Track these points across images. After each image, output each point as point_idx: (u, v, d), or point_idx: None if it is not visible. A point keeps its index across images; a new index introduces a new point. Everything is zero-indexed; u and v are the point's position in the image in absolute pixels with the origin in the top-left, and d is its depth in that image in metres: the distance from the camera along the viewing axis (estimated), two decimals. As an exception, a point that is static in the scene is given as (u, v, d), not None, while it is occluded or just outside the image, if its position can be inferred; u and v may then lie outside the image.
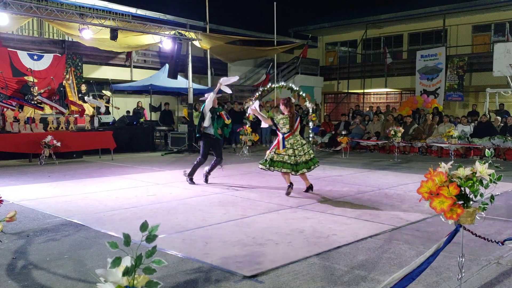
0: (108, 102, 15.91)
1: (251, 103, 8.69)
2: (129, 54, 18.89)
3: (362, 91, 23.15)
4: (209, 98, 7.88)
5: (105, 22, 12.95)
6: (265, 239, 4.55)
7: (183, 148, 14.22)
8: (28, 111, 13.07)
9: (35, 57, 15.71)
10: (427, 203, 2.94)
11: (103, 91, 16.34)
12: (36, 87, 13.99)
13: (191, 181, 8.09)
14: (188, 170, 8.18)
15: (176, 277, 3.50)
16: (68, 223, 5.22)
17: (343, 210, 5.97)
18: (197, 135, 8.21)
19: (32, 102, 13.31)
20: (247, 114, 12.51)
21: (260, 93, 11.99)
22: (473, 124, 13.84)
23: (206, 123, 7.84)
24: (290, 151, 6.92)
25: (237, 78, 8.63)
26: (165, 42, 14.41)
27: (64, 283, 3.39)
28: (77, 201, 6.45)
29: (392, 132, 12.40)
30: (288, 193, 6.93)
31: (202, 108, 8.02)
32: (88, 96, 15.27)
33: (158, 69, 18.75)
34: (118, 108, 16.41)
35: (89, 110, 14.53)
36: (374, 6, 25.21)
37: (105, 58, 18.54)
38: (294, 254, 4.08)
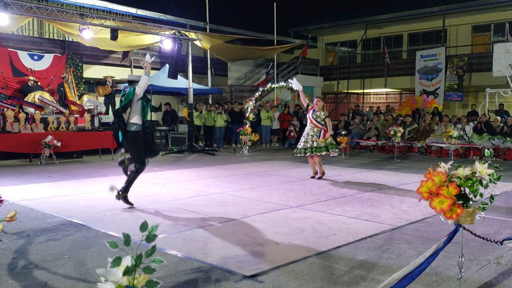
0: (113, 87, 15.68)
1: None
2: (126, 53, 18.81)
3: (362, 91, 23.16)
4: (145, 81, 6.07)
5: (105, 22, 12.94)
6: (265, 239, 4.56)
7: (183, 148, 14.23)
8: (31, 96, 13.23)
9: (36, 57, 15.71)
10: (426, 203, 2.95)
11: (106, 76, 16.15)
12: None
13: (126, 200, 6.03)
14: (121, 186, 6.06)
15: (176, 277, 3.50)
16: (68, 223, 5.22)
17: (343, 210, 5.98)
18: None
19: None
20: (247, 114, 12.57)
21: (260, 93, 12.04)
22: (471, 123, 13.83)
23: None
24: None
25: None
26: (165, 42, 14.41)
27: (65, 283, 3.39)
28: (77, 201, 6.45)
29: (392, 132, 12.41)
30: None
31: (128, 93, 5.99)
32: (88, 95, 15.29)
33: (158, 69, 18.73)
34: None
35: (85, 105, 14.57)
36: (374, 6, 25.23)
37: (105, 58, 18.54)
38: (294, 254, 4.08)
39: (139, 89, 5.95)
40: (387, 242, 4.48)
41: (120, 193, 5.99)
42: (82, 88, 15.67)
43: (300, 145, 8.85)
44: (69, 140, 11.37)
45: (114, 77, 15.86)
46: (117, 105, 6.05)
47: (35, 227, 5.02)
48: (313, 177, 8.85)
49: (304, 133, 8.90)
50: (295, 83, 9.37)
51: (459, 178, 2.90)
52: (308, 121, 8.84)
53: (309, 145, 8.66)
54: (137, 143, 5.97)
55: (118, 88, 15.74)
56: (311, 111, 8.76)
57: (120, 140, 6.04)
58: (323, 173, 8.88)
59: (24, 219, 5.36)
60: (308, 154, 8.68)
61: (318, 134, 8.65)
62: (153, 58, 6.43)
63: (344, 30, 24.60)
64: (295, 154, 8.96)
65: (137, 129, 5.95)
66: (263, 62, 23.04)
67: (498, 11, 19.68)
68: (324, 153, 8.65)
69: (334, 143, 8.97)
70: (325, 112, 8.89)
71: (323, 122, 8.72)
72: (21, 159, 11.34)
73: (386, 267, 3.75)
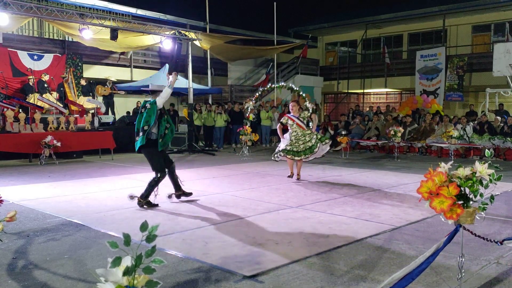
0: (112, 89, 15.65)
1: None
2: (123, 53, 18.77)
3: (362, 91, 23.16)
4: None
5: (105, 22, 12.94)
6: (265, 239, 4.56)
7: (183, 148, 14.23)
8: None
9: (35, 57, 15.72)
10: (427, 203, 2.95)
11: (108, 77, 16.11)
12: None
13: (150, 204, 6.12)
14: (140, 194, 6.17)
15: (176, 277, 3.50)
16: (68, 223, 5.22)
17: (343, 210, 5.97)
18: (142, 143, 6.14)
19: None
20: (246, 114, 12.57)
21: (260, 93, 12.06)
22: (472, 123, 13.82)
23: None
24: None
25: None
26: (165, 42, 14.41)
27: (64, 283, 3.39)
28: (77, 201, 6.45)
29: (392, 132, 12.41)
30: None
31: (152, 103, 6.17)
32: (88, 96, 15.29)
33: (158, 69, 18.75)
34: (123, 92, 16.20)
35: (86, 105, 14.56)
36: (374, 6, 25.22)
37: (105, 58, 18.55)
38: (294, 254, 4.08)
39: (160, 100, 6.16)
40: (387, 242, 4.48)
41: (141, 199, 6.09)
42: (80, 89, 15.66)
43: (281, 147, 8.54)
44: (69, 140, 11.37)
45: (113, 79, 15.86)
46: (144, 117, 6.13)
47: (35, 227, 5.02)
48: (290, 176, 8.71)
49: (288, 136, 8.57)
50: None
51: (459, 178, 2.90)
52: (294, 125, 8.49)
53: (291, 147, 8.41)
54: (157, 152, 6.20)
55: (117, 91, 15.71)
56: (294, 117, 8.49)
57: (137, 148, 6.20)
58: (291, 175, 8.79)
59: (24, 219, 5.36)
60: (293, 156, 8.41)
61: (309, 134, 8.49)
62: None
63: (344, 30, 24.61)
64: (273, 156, 8.65)
65: (155, 138, 6.15)
66: (263, 62, 23.05)
67: (498, 11, 19.68)
68: (315, 154, 8.50)
69: (324, 136, 8.78)
70: (305, 112, 8.66)
71: (309, 120, 8.55)
72: (21, 159, 11.34)
73: (386, 267, 3.75)
